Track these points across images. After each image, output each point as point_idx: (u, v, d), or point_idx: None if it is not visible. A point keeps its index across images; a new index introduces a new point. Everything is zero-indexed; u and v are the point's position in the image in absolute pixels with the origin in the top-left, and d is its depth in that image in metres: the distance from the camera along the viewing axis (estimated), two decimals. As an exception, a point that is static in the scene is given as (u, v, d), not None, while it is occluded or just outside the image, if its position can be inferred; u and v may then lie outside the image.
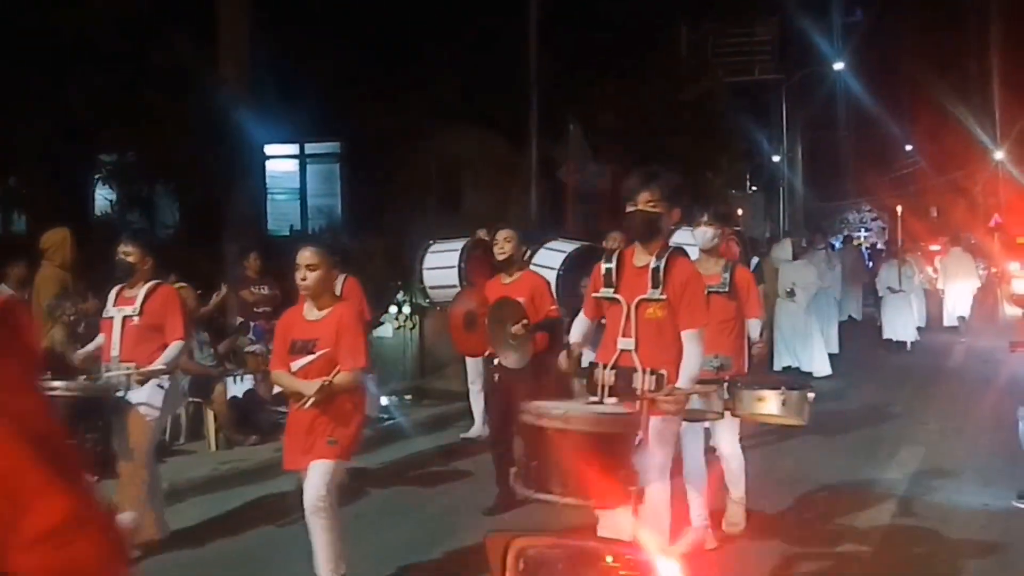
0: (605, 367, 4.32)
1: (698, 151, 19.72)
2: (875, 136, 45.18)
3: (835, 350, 13.69)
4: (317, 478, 4.60)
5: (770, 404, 4.70)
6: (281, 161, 18.08)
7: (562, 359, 4.73)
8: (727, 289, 5.71)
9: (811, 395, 4.75)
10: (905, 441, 8.62)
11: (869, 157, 45.69)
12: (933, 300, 17.70)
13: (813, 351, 12.48)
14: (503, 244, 6.61)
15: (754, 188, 45.94)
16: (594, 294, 4.53)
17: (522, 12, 15.75)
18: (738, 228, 7.04)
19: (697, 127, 20.05)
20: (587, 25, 18.00)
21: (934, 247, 19.65)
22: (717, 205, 5.93)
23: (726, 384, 4.83)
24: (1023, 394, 6.53)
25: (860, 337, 16.16)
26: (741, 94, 33.82)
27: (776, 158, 42.58)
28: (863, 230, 38.82)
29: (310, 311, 4.81)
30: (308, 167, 18.04)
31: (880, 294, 15.81)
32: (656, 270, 4.34)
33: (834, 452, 8.16)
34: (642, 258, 4.42)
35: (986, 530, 6.14)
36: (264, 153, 17.68)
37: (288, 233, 17.74)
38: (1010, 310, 16.77)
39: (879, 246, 27.59)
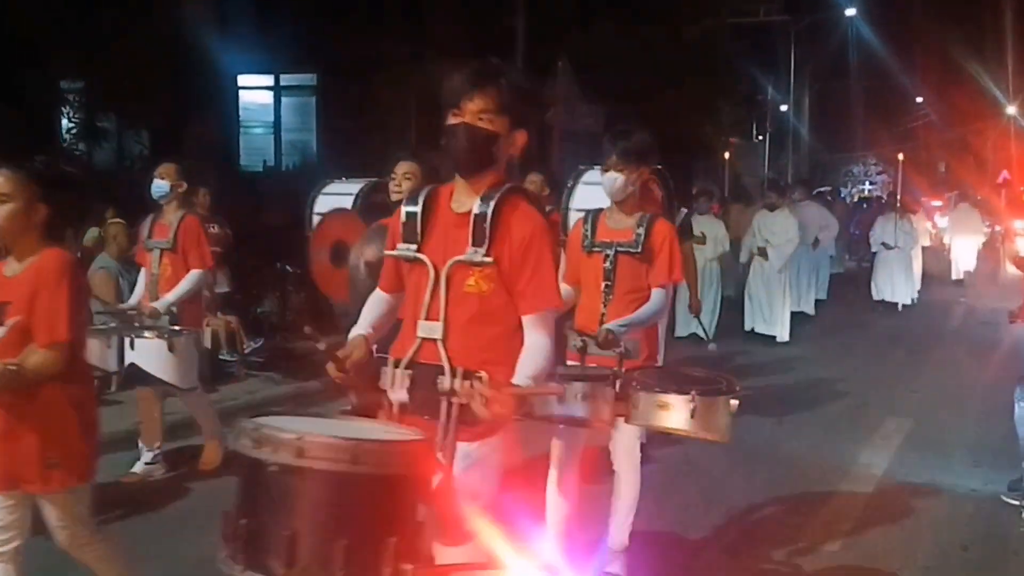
0: (398, 364, 2.81)
1: (696, 95, 18.77)
2: (885, 87, 43.99)
3: (822, 295, 13.59)
4: (57, 520, 3.38)
5: (675, 414, 3.43)
6: (255, 92, 17.26)
7: (340, 355, 2.93)
8: (638, 249, 4.21)
9: (734, 403, 3.48)
10: (892, 411, 7.95)
11: (878, 109, 44.55)
12: (932, 257, 17.09)
13: (777, 314, 11.50)
14: (401, 181, 5.33)
15: (760, 137, 44.93)
16: (389, 252, 2.99)
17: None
18: (659, 167, 5.36)
19: (697, 70, 19.06)
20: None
21: (936, 203, 19.52)
22: (628, 138, 4.24)
23: (618, 381, 3.55)
24: (1022, 368, 5.75)
25: (846, 295, 15.29)
26: (746, 37, 32.71)
27: (784, 107, 41.49)
28: (868, 183, 37.84)
29: (9, 263, 3.38)
30: (283, 99, 17.21)
31: (873, 249, 14.68)
32: (480, 218, 2.76)
33: (809, 424, 7.48)
34: (464, 200, 2.84)
35: (973, 520, 5.47)
36: (237, 84, 16.97)
37: (262, 169, 16.99)
38: (1012, 269, 15.95)
39: (877, 196, 26.41)
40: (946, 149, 41.90)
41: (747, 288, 11.57)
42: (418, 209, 2.88)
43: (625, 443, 4.28)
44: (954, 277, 17.36)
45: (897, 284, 14.30)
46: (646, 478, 4.37)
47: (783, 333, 11.39)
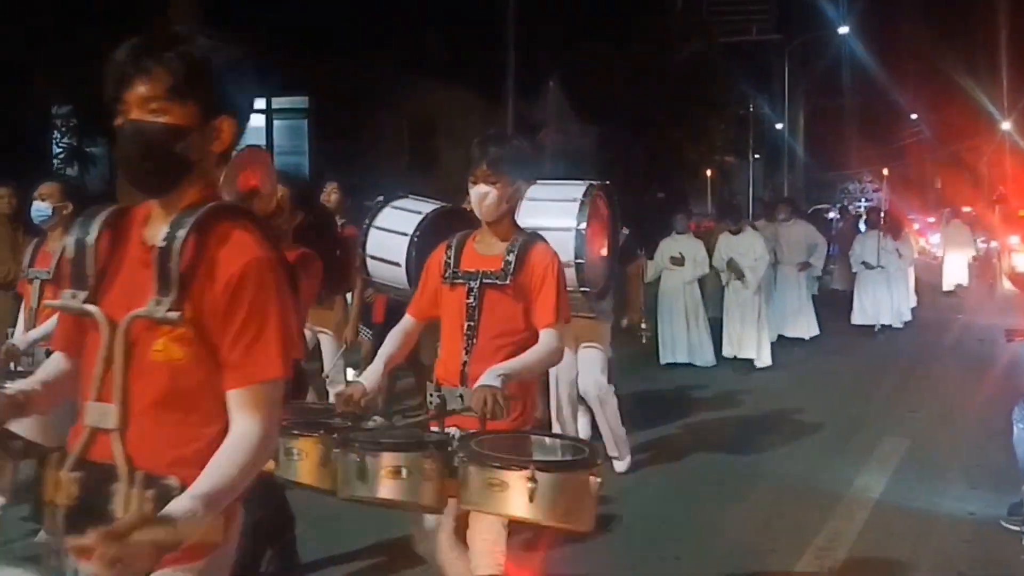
0: (62, 463, 1.96)
1: (687, 114, 18.75)
2: (879, 104, 44.16)
3: (815, 329, 12.48)
4: None
5: (512, 496, 2.61)
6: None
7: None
8: (506, 280, 3.35)
9: (595, 481, 2.71)
10: (888, 432, 7.80)
11: (872, 126, 44.65)
12: (926, 271, 17.12)
13: (759, 337, 10.79)
14: (330, 195, 6.19)
15: (757, 156, 44.98)
16: (51, 303, 2.35)
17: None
18: (606, 182, 5.27)
19: (688, 88, 19.05)
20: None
21: (931, 219, 19.97)
22: (501, 144, 3.42)
23: (457, 442, 2.84)
24: (1020, 387, 5.62)
25: (831, 315, 14.28)
26: (740, 56, 32.77)
27: (779, 126, 41.59)
28: (864, 200, 37.80)
29: None
30: (275, 122, 17.14)
31: (854, 269, 13.59)
32: (165, 254, 1.92)
33: (802, 448, 7.31)
34: (156, 228, 2.00)
35: (971, 545, 5.33)
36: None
37: (252, 192, 16.89)
38: (1008, 285, 15.98)
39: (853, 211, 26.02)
40: (941, 165, 41.94)
41: (724, 313, 11.00)
42: (91, 239, 2.02)
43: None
44: (945, 288, 18.39)
45: (881, 305, 13.24)
46: (638, 506, 4.26)
47: (763, 357, 10.78)
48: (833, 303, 14.76)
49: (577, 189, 5.15)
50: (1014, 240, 17.46)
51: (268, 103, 17.08)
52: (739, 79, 31.94)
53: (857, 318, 13.26)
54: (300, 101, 16.91)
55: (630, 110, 17.23)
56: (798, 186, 43.10)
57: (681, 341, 10.95)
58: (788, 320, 12.16)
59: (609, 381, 6.42)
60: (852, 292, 13.54)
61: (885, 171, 15.51)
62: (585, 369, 6.28)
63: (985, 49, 39.40)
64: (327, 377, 6.62)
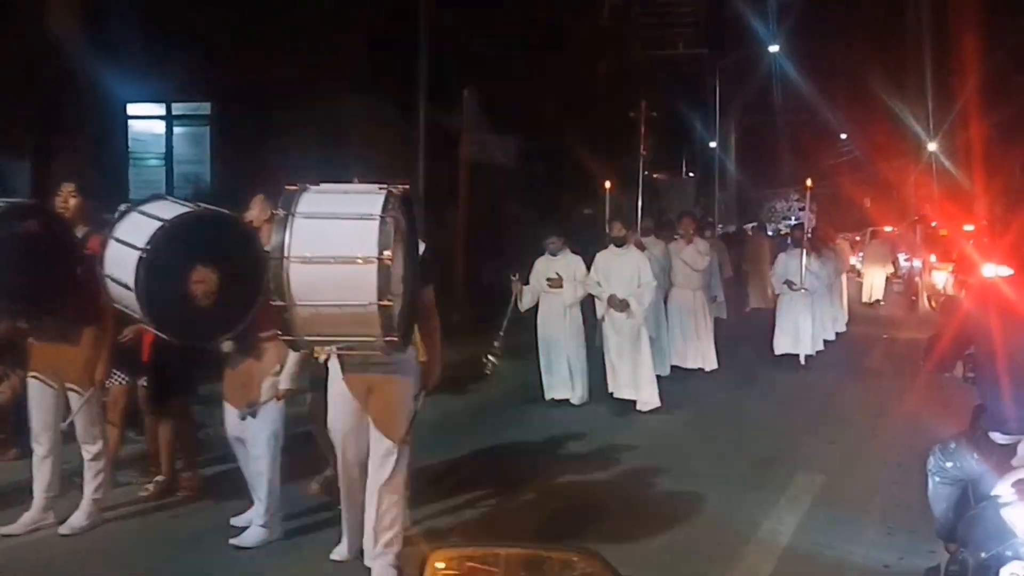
0: None
1: (613, 129, 18.23)
2: (809, 124, 44.37)
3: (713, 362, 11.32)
4: None
5: None
6: (146, 122, 16.22)
7: None
8: None
9: None
10: (802, 466, 7.20)
11: (802, 145, 44.86)
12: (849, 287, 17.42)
13: (640, 375, 9.25)
14: (67, 198, 5.30)
15: (691, 174, 44.92)
16: None
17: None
18: (405, 186, 4.16)
19: (611, 101, 18.53)
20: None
21: (857, 236, 21.03)
22: None
23: None
24: (935, 430, 4.98)
25: (739, 344, 12.77)
26: (673, 75, 32.60)
27: (713, 144, 41.54)
28: (793, 218, 37.86)
29: None
30: (175, 129, 16.20)
31: (776, 291, 12.29)
32: None
33: (707, 487, 6.58)
34: None
35: (884, 605, 4.72)
36: (126, 112, 15.94)
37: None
38: (929, 301, 16.66)
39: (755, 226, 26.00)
40: (870, 185, 42.26)
41: (604, 345, 9.42)
42: None
43: None
44: (864, 300, 19.75)
45: (802, 332, 11.90)
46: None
47: (647, 397, 9.23)
48: (738, 326, 13.71)
49: (372, 199, 3.97)
50: (932, 258, 17.78)
51: (168, 108, 16.11)
52: (672, 96, 31.74)
53: (780, 346, 11.96)
54: (202, 107, 15.98)
55: (550, 123, 16.63)
56: (730, 204, 43.11)
57: (562, 375, 9.48)
58: (686, 349, 11.08)
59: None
60: (773, 314, 12.28)
61: (808, 181, 14.43)
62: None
63: (912, 71, 39.86)
64: (64, 428, 5.36)
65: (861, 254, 21.93)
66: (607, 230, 9.60)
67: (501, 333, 9.28)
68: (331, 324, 3.97)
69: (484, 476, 6.75)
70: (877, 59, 38.25)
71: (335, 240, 3.90)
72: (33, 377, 5.38)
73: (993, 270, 5.71)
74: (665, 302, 10.96)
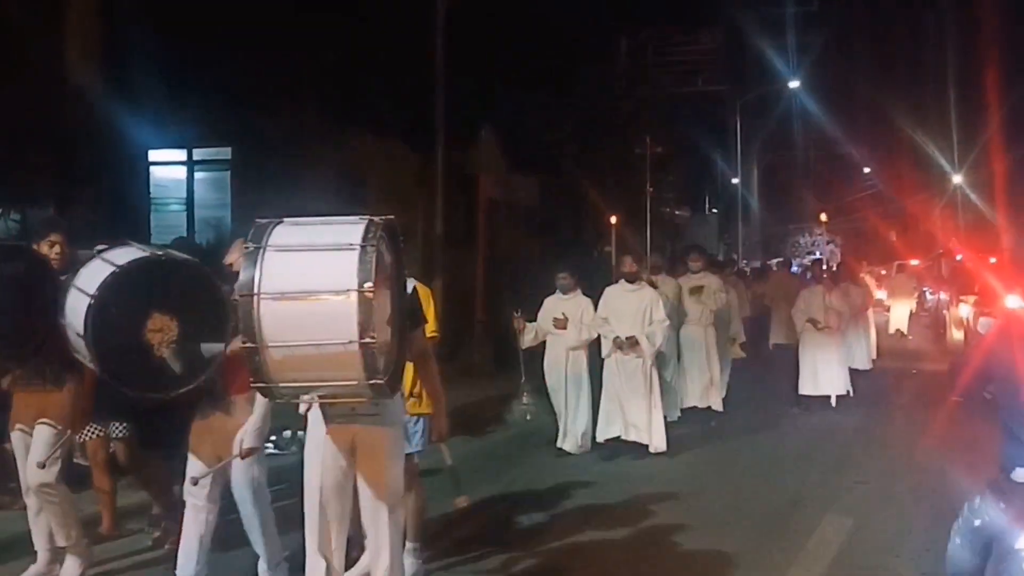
0: None
1: (628, 166, 18.18)
2: (833, 158, 44.24)
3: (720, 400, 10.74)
4: None
5: None
6: (167, 168, 16.32)
7: None
8: None
9: None
10: (830, 509, 6.98)
11: (826, 180, 44.69)
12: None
13: (653, 418, 8.85)
14: (52, 245, 5.12)
15: (714, 210, 44.85)
16: None
17: (429, 7, 14.22)
18: (390, 217, 3.84)
19: (631, 140, 18.50)
20: (507, 23, 16.43)
21: (883, 271, 21.35)
22: None
23: None
24: (967, 469, 4.75)
25: (755, 384, 12.45)
26: (693, 111, 32.60)
27: (735, 180, 41.48)
28: (817, 252, 37.57)
29: None
30: (196, 174, 16.28)
31: (799, 329, 11.80)
32: None
33: (728, 533, 6.37)
34: None
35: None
36: (148, 158, 16.04)
37: (172, 244, 15.98)
38: (957, 333, 16.68)
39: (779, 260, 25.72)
40: (895, 219, 41.94)
41: (604, 387, 8.96)
42: None
43: None
44: (891, 331, 20.41)
45: (830, 371, 11.48)
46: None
47: (657, 441, 8.83)
48: (756, 365, 13.23)
49: (352, 228, 3.65)
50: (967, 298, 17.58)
51: (189, 154, 16.21)
52: (693, 133, 31.72)
53: (806, 387, 11.48)
54: (222, 152, 16.06)
55: (570, 161, 16.60)
56: (754, 240, 42.90)
57: (560, 420, 9.04)
58: (698, 389, 10.55)
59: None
60: (796, 351, 11.82)
61: (823, 216, 13.86)
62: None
63: (936, 104, 39.70)
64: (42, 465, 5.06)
65: (886, 289, 22.70)
66: (616, 266, 9.25)
67: (523, 379, 9.10)
68: (308, 367, 3.61)
69: (495, 527, 6.52)
70: (900, 92, 38.18)
71: (310, 273, 3.56)
72: (18, 430, 5.23)
73: (1016, 301, 5.52)
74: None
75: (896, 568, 5.73)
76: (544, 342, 9.20)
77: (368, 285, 3.48)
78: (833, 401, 11.47)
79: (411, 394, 5.20)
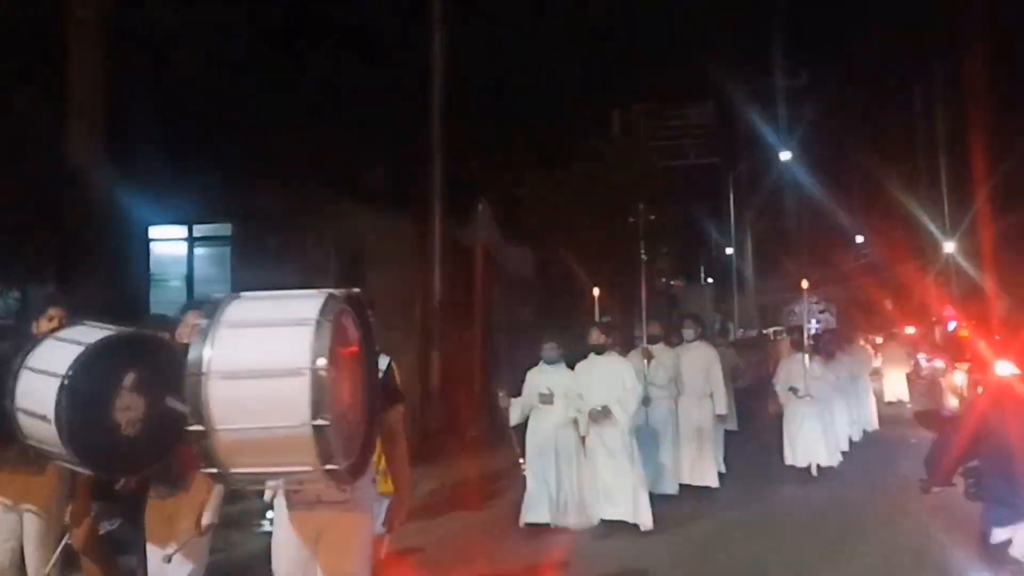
0: None
1: (627, 237, 18.37)
2: (825, 228, 44.66)
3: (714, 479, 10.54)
4: None
5: None
6: (167, 244, 16.49)
7: None
8: None
9: None
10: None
11: (818, 249, 45.04)
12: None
13: (639, 495, 8.64)
14: (50, 320, 5.06)
15: (709, 280, 45.13)
16: None
17: (426, 83, 14.56)
18: (356, 291, 3.81)
19: (625, 212, 18.75)
20: (502, 98, 16.80)
21: (879, 339, 21.62)
22: None
23: None
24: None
25: (750, 458, 12.24)
26: (687, 184, 33.09)
27: (729, 250, 41.83)
28: (813, 321, 37.71)
29: None
30: (196, 250, 16.43)
31: (781, 399, 11.66)
32: None
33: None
34: None
35: None
36: (148, 235, 16.21)
37: (173, 319, 16.04)
38: (953, 401, 16.61)
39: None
40: (889, 287, 42.15)
41: (587, 461, 8.80)
42: None
43: None
44: (887, 400, 20.32)
45: (810, 441, 11.33)
46: None
47: (645, 519, 8.63)
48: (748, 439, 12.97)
49: (309, 303, 3.47)
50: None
51: (189, 230, 16.39)
52: (687, 205, 32.16)
53: (789, 456, 11.43)
54: (223, 228, 16.25)
55: (567, 232, 16.81)
56: (749, 309, 43.06)
57: (543, 498, 8.70)
58: (692, 465, 10.36)
59: None
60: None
61: (805, 283, 13.70)
62: None
63: (927, 173, 40.24)
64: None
65: (880, 356, 22.81)
66: (585, 337, 9.01)
67: (519, 455, 8.99)
68: (259, 452, 3.36)
69: None
70: (891, 162, 38.69)
71: (262, 351, 3.35)
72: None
73: (1006, 368, 5.61)
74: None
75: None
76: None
77: (322, 363, 3.27)
78: (813, 470, 11.29)
79: (380, 472, 4.97)
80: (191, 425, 3.36)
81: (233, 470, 3.44)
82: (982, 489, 4.03)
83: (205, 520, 4.66)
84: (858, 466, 11.79)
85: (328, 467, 3.33)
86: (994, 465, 3.83)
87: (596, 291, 10.31)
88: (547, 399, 8.76)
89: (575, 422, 8.87)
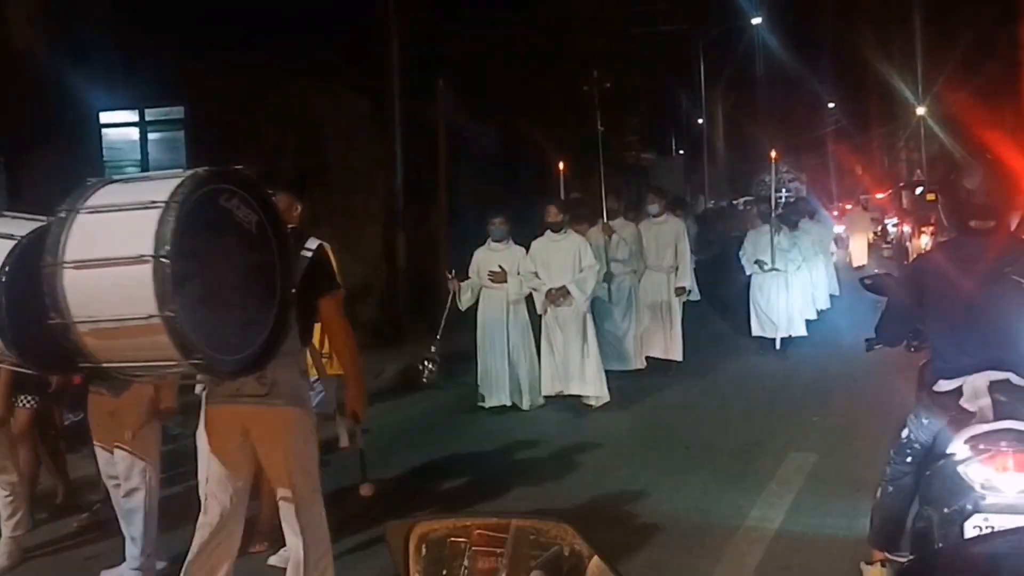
0: None
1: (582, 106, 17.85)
2: (796, 94, 44.13)
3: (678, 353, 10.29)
4: None
5: None
6: (120, 129, 15.97)
7: None
8: None
9: None
10: (792, 447, 7.02)
11: (790, 116, 44.61)
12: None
13: (587, 368, 8.52)
14: None
15: (681, 151, 44.71)
16: None
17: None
18: (231, 167, 3.47)
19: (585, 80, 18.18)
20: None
21: (848, 206, 21.77)
22: None
23: None
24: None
25: (709, 328, 12.33)
26: (655, 52, 32.35)
27: (700, 120, 41.30)
28: (784, 191, 37.60)
29: None
30: (149, 135, 15.95)
31: (747, 272, 11.43)
32: None
33: (691, 477, 6.43)
34: None
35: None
36: (99, 121, 15.70)
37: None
38: None
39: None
40: (860, 153, 42.03)
41: (544, 342, 8.66)
42: None
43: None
44: (855, 265, 20.48)
45: (776, 314, 11.18)
46: None
47: (598, 391, 8.56)
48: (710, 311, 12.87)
49: (165, 185, 3.15)
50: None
51: (141, 114, 15.86)
52: (655, 72, 31.49)
53: (755, 328, 11.34)
54: (175, 111, 15.73)
55: (528, 106, 16.37)
56: (720, 180, 42.91)
57: (501, 380, 8.64)
58: (654, 338, 10.19)
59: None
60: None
61: (773, 153, 13.24)
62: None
63: (899, 34, 39.53)
64: None
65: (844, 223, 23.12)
66: (544, 216, 8.68)
67: (438, 336, 8.89)
68: (122, 345, 3.15)
69: (438, 498, 6.25)
70: (862, 24, 37.94)
71: (111, 237, 3.11)
72: None
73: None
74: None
75: (863, 497, 5.75)
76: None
77: (167, 249, 2.98)
78: (777, 343, 11.18)
79: (323, 354, 4.95)
80: (51, 319, 3.15)
81: (105, 364, 3.26)
82: (924, 344, 4.09)
83: (163, 406, 4.62)
84: (825, 334, 11.76)
85: (192, 361, 3.09)
86: (931, 323, 3.86)
87: (561, 166, 10.00)
88: (499, 277, 8.58)
89: (528, 300, 8.75)
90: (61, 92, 13.16)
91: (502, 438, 7.79)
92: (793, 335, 11.39)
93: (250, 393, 3.66)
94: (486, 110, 16.45)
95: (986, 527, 3.35)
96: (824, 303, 13.70)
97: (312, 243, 3.97)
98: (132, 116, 15.89)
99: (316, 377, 4.97)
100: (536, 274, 8.56)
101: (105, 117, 15.77)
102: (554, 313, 8.54)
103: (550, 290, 8.45)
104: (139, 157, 15.88)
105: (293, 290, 3.56)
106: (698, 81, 38.46)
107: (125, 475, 4.66)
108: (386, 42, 14.01)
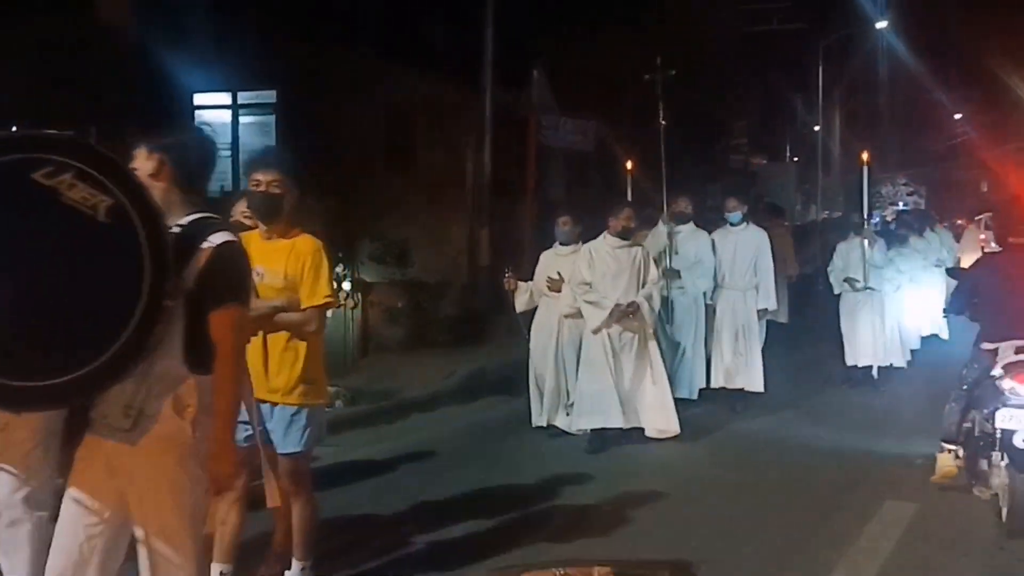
0: None
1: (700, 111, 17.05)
2: (920, 104, 42.10)
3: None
4: None
5: None
6: (212, 112, 15.92)
7: None
8: None
9: None
10: (890, 493, 6.15)
11: (913, 127, 42.57)
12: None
13: (662, 398, 7.54)
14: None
15: (796, 159, 43.18)
16: None
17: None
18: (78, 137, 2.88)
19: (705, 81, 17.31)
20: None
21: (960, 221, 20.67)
22: None
23: None
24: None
25: (798, 354, 11.09)
26: (772, 54, 31.17)
27: (816, 127, 39.73)
28: (900, 203, 35.72)
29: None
30: (241, 118, 15.86)
31: (836, 290, 10.22)
32: None
33: (771, 521, 5.66)
34: None
35: None
36: (192, 103, 15.70)
37: (219, 194, 15.63)
38: None
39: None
40: (987, 168, 39.75)
41: (593, 367, 7.50)
42: None
43: None
44: None
45: (871, 340, 9.86)
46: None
47: (670, 423, 7.54)
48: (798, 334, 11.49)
49: None
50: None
51: (233, 98, 15.79)
52: (773, 77, 30.22)
53: (849, 355, 10.03)
54: (267, 95, 15.57)
55: (627, 101, 15.62)
56: (834, 190, 41.17)
57: (552, 399, 7.71)
58: (733, 365, 8.80)
59: None
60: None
61: (865, 155, 11.15)
62: None
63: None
64: None
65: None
66: (609, 220, 7.55)
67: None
68: None
69: (487, 530, 5.40)
70: (996, 34, 35.88)
71: None
72: None
73: None
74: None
75: (962, 568, 4.92)
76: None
77: None
78: (875, 372, 9.86)
79: (303, 380, 4.18)
80: None
81: None
82: (977, 317, 6.03)
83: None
84: (926, 367, 10.43)
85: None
86: (984, 306, 5.92)
87: (628, 165, 9.14)
88: (555, 285, 7.64)
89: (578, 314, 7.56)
90: (156, 72, 13.20)
91: (553, 466, 6.87)
92: (894, 365, 10.17)
93: (113, 425, 2.91)
94: (581, 104, 15.77)
95: (1010, 416, 5.24)
96: (937, 327, 12.36)
97: (217, 238, 2.98)
98: (225, 99, 15.84)
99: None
100: (590, 285, 7.41)
101: (199, 99, 15.76)
102: (616, 333, 7.41)
103: (619, 305, 7.30)
104: (230, 140, 15.81)
105: (169, 300, 2.79)
106: (815, 86, 36.91)
107: (6, 503, 3.76)
108: (480, 31, 13.54)
